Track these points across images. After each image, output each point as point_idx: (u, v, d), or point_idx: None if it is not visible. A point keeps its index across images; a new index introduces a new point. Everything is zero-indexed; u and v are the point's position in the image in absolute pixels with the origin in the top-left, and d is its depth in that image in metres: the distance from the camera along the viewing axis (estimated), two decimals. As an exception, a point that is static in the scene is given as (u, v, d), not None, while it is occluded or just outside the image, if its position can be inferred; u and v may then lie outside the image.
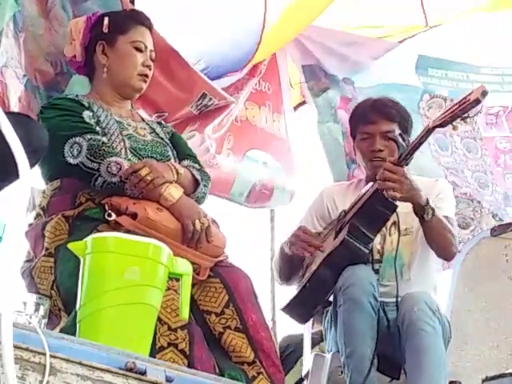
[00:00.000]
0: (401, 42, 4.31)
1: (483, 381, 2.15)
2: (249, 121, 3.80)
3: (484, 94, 2.33)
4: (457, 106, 2.38)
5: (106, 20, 2.39)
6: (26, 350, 1.26)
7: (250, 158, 3.77)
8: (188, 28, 3.13)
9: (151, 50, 2.42)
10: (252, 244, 4.32)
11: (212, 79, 3.20)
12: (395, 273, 2.52)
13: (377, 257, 2.63)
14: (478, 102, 2.33)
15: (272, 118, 3.96)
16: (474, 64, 4.30)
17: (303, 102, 4.39)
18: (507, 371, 2.49)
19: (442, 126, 2.43)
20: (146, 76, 2.39)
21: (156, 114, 2.95)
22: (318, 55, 4.16)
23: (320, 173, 4.42)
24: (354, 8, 4.01)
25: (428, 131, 2.46)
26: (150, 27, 2.45)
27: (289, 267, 2.73)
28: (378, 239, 2.64)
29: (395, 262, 2.55)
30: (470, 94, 2.36)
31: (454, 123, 2.41)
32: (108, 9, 2.56)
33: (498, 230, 3.30)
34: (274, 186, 3.83)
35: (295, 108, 4.32)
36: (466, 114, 2.37)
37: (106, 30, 2.38)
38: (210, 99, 3.11)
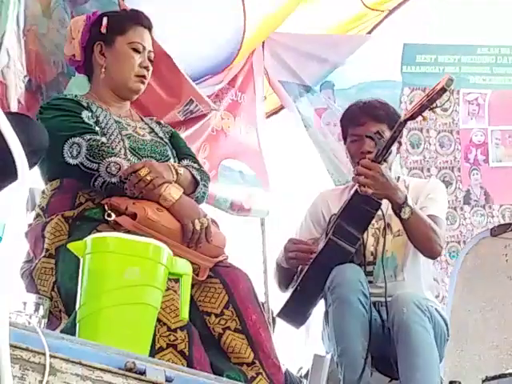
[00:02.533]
0: (369, 32, 4.34)
1: (483, 381, 2.15)
2: (223, 131, 3.84)
3: (449, 82, 2.34)
4: (425, 96, 2.41)
5: (105, 20, 2.38)
6: (26, 350, 1.26)
7: (227, 167, 3.80)
8: (170, 31, 3.13)
9: (149, 51, 2.41)
10: (244, 247, 4.32)
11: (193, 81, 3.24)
12: (383, 274, 2.53)
13: (370, 259, 2.64)
14: (444, 90, 2.35)
15: (246, 130, 3.99)
16: (469, 44, 4.27)
17: (274, 112, 4.41)
18: (507, 371, 2.49)
19: (412, 118, 2.46)
20: (144, 77, 2.39)
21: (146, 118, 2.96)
22: (294, 64, 4.19)
23: (311, 178, 4.46)
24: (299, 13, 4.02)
25: (400, 125, 2.47)
26: (149, 27, 2.44)
27: (289, 277, 2.74)
28: (371, 241, 2.65)
29: (382, 262, 2.56)
30: (437, 84, 2.38)
31: (423, 114, 2.42)
32: (105, 10, 2.55)
33: (498, 230, 3.30)
34: (250, 195, 3.86)
35: (268, 116, 4.37)
36: (434, 104, 2.39)
37: (104, 31, 2.37)
38: (196, 106, 3.13)
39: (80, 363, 1.33)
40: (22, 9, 2.55)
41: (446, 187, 4.02)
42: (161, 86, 2.96)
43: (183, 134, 3.29)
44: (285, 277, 2.76)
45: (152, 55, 2.43)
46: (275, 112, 4.49)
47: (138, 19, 2.43)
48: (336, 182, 4.03)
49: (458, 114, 4.20)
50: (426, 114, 2.44)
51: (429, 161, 4.17)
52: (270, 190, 4.01)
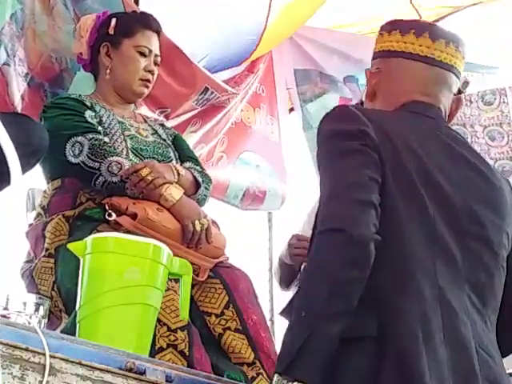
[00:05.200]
0: None
1: (483, 381, 2.14)
2: (243, 123, 3.80)
3: (465, 85, 2.33)
4: None
5: (113, 21, 2.37)
6: (26, 350, 1.27)
7: (244, 160, 3.77)
8: (191, 25, 3.12)
9: (156, 55, 2.40)
10: (250, 245, 4.30)
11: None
12: None
13: None
14: (459, 92, 2.33)
15: (266, 121, 3.95)
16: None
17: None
18: (507, 371, 2.48)
19: None
20: (148, 81, 2.38)
21: (158, 110, 2.94)
22: (316, 56, 4.07)
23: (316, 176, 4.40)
24: (344, 6, 3.95)
25: None
26: (157, 31, 2.42)
27: (291, 275, 2.73)
28: None
29: None
30: None
31: None
32: (109, 7, 2.54)
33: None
34: (266, 190, 3.83)
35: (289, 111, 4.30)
36: None
37: (111, 32, 2.36)
38: (212, 93, 3.11)
39: (80, 363, 1.33)
40: (19, 7, 2.55)
41: (507, 177, 3.95)
42: (173, 77, 2.95)
43: (202, 129, 3.29)
44: (287, 274, 2.75)
45: (158, 59, 2.42)
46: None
47: (147, 23, 2.41)
48: None
49: (508, 105, 3.99)
50: None
51: (480, 153, 4.03)
52: (285, 184, 3.97)
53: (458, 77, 1.74)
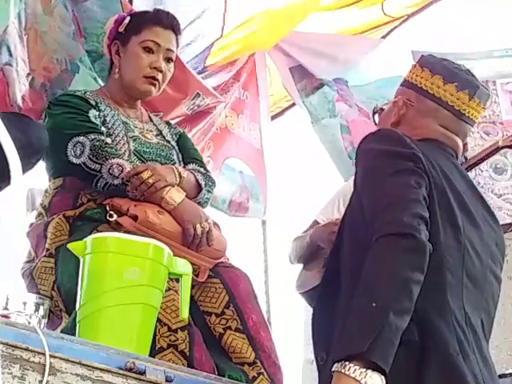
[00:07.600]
0: (384, 37, 4.25)
1: (483, 381, 2.15)
2: (228, 129, 3.81)
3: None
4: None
5: (126, 20, 2.35)
6: (26, 349, 1.27)
7: (229, 166, 3.78)
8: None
9: (168, 49, 2.34)
10: (245, 245, 4.30)
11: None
12: None
13: None
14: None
15: (249, 127, 3.96)
16: (480, 50, 4.10)
17: (279, 114, 4.38)
18: (507, 371, 2.49)
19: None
20: (153, 78, 2.32)
21: (152, 114, 2.94)
22: (302, 60, 4.12)
23: (313, 179, 4.43)
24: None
25: (496, 150, 2.50)
26: (172, 28, 2.37)
27: (314, 255, 2.72)
28: None
29: None
30: None
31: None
32: (107, 9, 2.53)
33: (499, 230, 3.29)
34: (249, 196, 3.84)
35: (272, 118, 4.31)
36: None
37: (121, 30, 2.35)
38: (203, 99, 3.10)
39: (80, 363, 1.33)
40: (22, 7, 2.54)
41: (500, 174, 3.98)
42: (168, 82, 2.95)
43: (189, 134, 3.29)
44: (311, 254, 2.73)
45: (172, 55, 2.36)
46: (278, 114, 4.44)
47: (157, 19, 2.36)
48: (344, 176, 3.97)
49: (499, 105, 3.99)
50: None
51: (475, 148, 4.04)
52: (267, 190, 3.98)
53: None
